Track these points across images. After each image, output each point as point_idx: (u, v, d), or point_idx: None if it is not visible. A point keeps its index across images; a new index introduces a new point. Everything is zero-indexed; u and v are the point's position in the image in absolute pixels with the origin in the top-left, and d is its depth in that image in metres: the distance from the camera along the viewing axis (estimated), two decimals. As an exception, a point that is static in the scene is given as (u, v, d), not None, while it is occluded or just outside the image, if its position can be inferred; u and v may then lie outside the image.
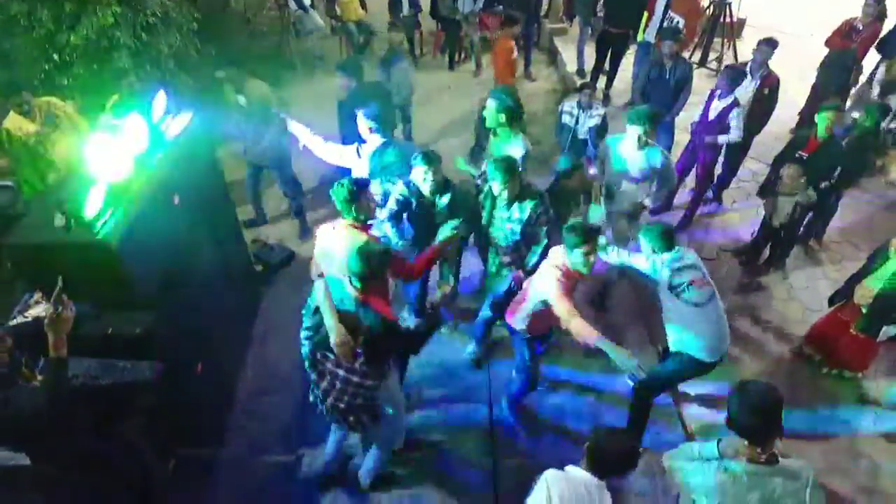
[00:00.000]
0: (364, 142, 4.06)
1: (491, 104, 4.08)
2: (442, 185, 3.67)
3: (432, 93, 8.17)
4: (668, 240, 3.21)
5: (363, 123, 3.97)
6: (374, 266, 2.74)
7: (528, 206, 3.66)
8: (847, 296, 3.84)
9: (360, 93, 4.91)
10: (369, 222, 3.42)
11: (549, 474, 2.37)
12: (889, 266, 3.57)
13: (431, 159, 3.55)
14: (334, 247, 3.17)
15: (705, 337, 3.23)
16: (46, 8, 5.06)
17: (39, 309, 2.88)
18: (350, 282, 2.81)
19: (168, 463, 3.05)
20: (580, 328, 2.88)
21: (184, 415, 3.19)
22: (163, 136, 3.30)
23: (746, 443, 2.18)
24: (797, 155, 4.50)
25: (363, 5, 8.63)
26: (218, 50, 6.82)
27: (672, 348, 3.40)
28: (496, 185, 3.58)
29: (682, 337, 3.29)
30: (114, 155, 2.82)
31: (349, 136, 4.61)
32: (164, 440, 2.98)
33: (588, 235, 2.98)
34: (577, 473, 2.34)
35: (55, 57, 5.18)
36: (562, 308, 2.97)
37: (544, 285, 3.10)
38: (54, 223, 2.65)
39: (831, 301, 3.99)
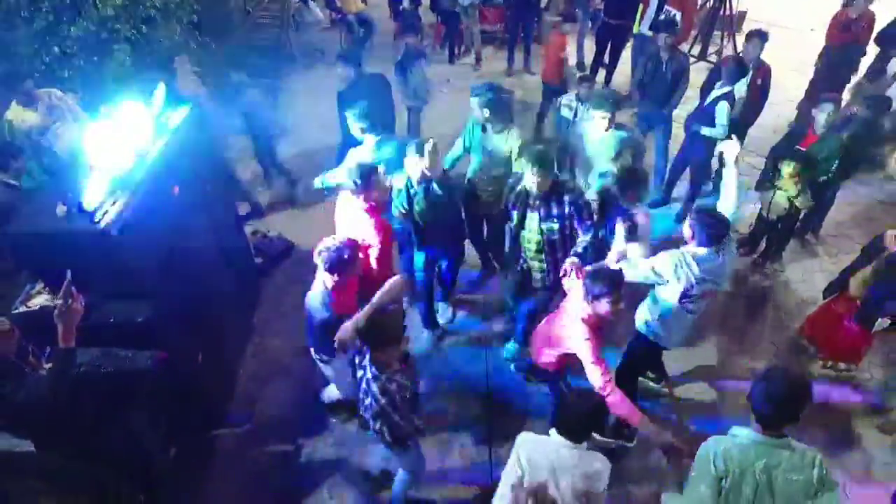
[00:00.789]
0: (359, 143, 4.05)
1: (473, 101, 4.10)
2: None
3: (433, 86, 8.16)
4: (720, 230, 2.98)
5: (354, 125, 3.96)
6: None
7: (566, 199, 3.45)
8: (841, 288, 3.88)
9: (359, 83, 4.91)
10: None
11: (521, 438, 2.45)
12: (884, 256, 3.60)
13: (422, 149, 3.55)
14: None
15: (679, 332, 3.29)
16: (47, -1, 5.07)
17: (42, 299, 2.93)
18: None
19: (169, 451, 3.10)
20: (619, 405, 2.75)
21: (185, 403, 3.23)
22: (163, 128, 3.32)
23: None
24: (795, 149, 4.51)
25: (363, -3, 8.63)
26: (218, 43, 6.83)
27: (639, 329, 3.41)
28: (530, 177, 3.34)
29: (654, 326, 3.31)
30: (115, 146, 2.85)
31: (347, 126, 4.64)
32: (165, 428, 3.02)
33: (614, 285, 2.78)
34: (551, 437, 2.40)
35: (55, 49, 5.18)
36: (596, 376, 2.79)
37: (575, 343, 2.91)
38: (56, 213, 2.68)
39: (825, 293, 4.03)
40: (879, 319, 3.64)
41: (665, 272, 3.03)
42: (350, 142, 4.24)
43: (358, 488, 3.54)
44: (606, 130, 4.23)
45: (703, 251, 2.99)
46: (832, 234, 5.40)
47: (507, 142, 4.12)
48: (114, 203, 2.76)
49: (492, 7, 9.16)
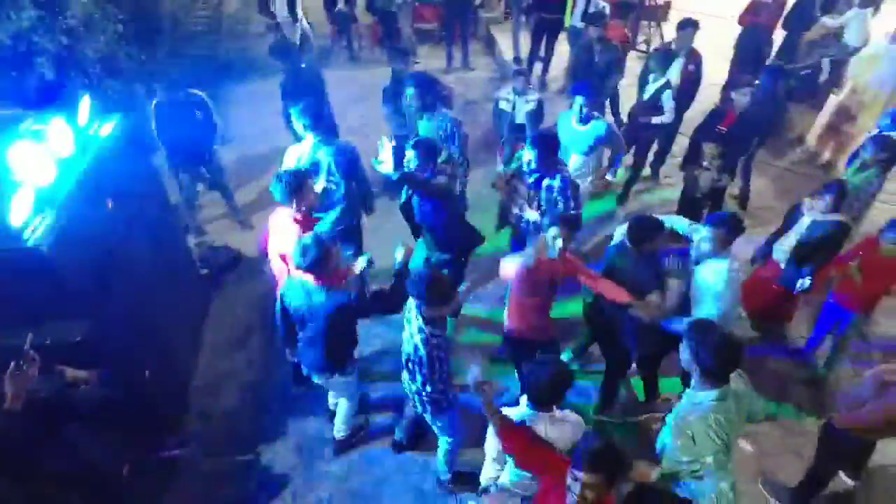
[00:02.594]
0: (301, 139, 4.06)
1: (409, 90, 4.25)
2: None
3: (373, 87, 8.16)
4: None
5: (297, 122, 3.96)
6: (317, 256, 2.78)
7: (557, 176, 3.79)
8: (766, 255, 4.14)
9: (294, 76, 4.90)
10: (314, 215, 3.50)
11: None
12: (803, 222, 3.87)
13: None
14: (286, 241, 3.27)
15: None
16: (-45, 12, 4.83)
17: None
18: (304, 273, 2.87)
19: (122, 468, 3.02)
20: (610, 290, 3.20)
21: (135, 420, 3.16)
22: (90, 141, 3.23)
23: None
24: (717, 129, 4.78)
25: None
26: (147, 53, 6.64)
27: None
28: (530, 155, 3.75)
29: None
30: (38, 160, 2.76)
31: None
32: (116, 446, 2.94)
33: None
34: (522, 408, 2.54)
35: (-31, 64, 4.94)
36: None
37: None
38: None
39: (753, 261, 4.29)
40: (800, 280, 3.90)
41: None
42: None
43: (319, 491, 3.54)
44: (583, 122, 4.43)
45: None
46: (757, 206, 5.74)
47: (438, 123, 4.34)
48: (42, 220, 2.68)
49: (428, 5, 9.24)
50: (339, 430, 3.65)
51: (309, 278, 2.89)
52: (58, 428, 2.52)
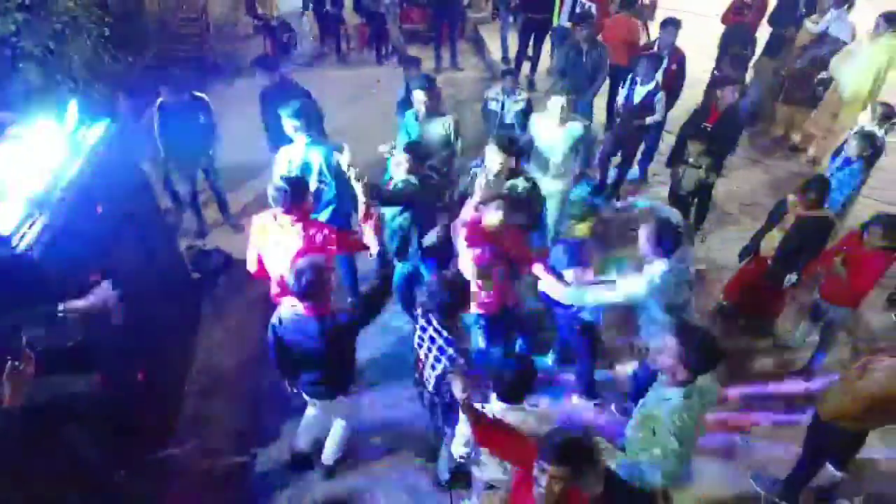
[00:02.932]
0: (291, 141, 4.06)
1: (419, 92, 4.31)
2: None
3: (362, 88, 8.20)
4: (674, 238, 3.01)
5: (287, 124, 3.94)
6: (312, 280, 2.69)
7: (519, 183, 3.72)
8: (753, 251, 4.20)
9: (279, 88, 4.91)
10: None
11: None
12: (787, 219, 3.93)
13: None
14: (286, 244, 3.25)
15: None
16: (-61, 17, 4.78)
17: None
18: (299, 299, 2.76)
19: (117, 473, 3.02)
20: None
21: (130, 424, 3.15)
22: (79, 146, 3.22)
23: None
24: (702, 126, 4.84)
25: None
26: (134, 56, 6.59)
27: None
28: (495, 160, 3.65)
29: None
30: (26, 166, 2.75)
31: (272, 127, 4.74)
32: (110, 451, 2.94)
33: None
34: (492, 404, 2.61)
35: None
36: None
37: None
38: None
39: (740, 257, 4.35)
40: (787, 276, 3.98)
41: (639, 295, 3.10)
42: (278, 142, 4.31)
43: (314, 492, 3.55)
44: (562, 124, 4.45)
45: (665, 265, 3.04)
46: (746, 204, 5.82)
47: (444, 127, 4.43)
48: (31, 226, 2.67)
49: (415, 6, 9.26)
50: (330, 455, 3.52)
51: (299, 307, 2.80)
52: (54, 429, 2.52)
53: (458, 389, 2.43)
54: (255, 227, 3.41)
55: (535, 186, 3.85)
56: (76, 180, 3.02)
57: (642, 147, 5.99)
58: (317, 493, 3.54)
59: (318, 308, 2.79)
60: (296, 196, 3.14)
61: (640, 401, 2.66)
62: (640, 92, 5.33)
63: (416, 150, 3.93)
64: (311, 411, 3.48)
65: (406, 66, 5.67)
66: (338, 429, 3.48)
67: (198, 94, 4.95)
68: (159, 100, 4.79)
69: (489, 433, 2.44)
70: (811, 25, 6.33)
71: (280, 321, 2.92)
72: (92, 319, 2.83)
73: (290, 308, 2.89)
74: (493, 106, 5.44)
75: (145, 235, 3.78)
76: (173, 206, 5.48)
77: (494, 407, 2.63)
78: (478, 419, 2.44)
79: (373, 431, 3.85)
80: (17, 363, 2.20)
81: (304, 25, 8.73)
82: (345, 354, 3.05)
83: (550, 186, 4.53)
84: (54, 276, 2.69)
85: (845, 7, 6.15)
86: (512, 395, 2.61)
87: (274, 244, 3.31)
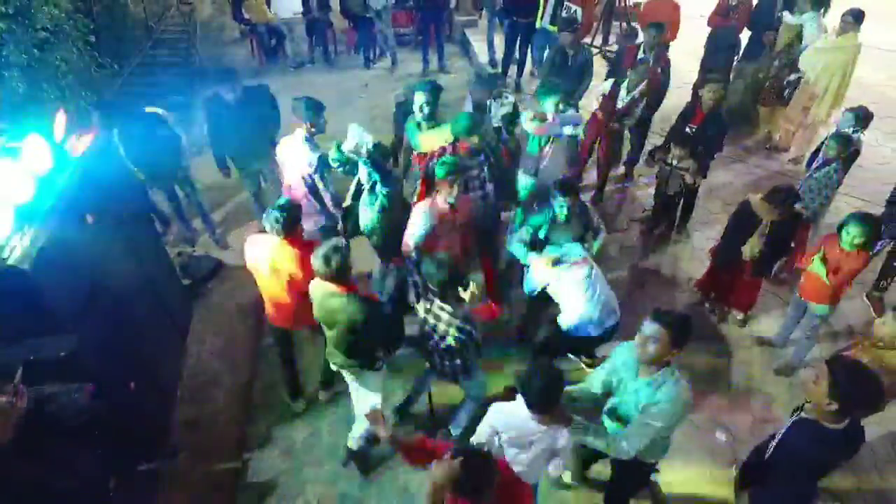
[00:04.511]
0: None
1: (422, 97, 4.24)
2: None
3: (350, 91, 8.23)
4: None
5: (299, 114, 4.07)
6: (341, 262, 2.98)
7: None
8: (727, 251, 4.29)
9: (249, 94, 4.89)
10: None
11: (492, 408, 2.72)
12: (763, 228, 4.03)
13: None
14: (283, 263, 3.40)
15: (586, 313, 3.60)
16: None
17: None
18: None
19: (108, 482, 3.03)
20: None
21: (122, 433, 3.17)
22: (67, 156, 3.23)
23: None
24: (687, 127, 4.93)
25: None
26: (120, 62, 6.58)
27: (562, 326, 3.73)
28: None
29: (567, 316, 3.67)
30: (15, 178, 2.76)
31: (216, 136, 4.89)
32: (102, 460, 2.95)
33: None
34: (518, 408, 2.59)
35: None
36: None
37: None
38: (-41, 253, 2.58)
39: (720, 261, 4.44)
40: (776, 264, 4.06)
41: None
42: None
43: (307, 496, 3.59)
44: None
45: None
46: (729, 203, 5.92)
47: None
48: (22, 237, 2.68)
49: (402, 10, 9.30)
50: (354, 436, 3.58)
51: (332, 287, 3.03)
52: (45, 444, 2.53)
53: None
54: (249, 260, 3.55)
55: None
56: (66, 191, 3.03)
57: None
58: (309, 495, 3.58)
59: (349, 286, 3.07)
60: (288, 222, 3.27)
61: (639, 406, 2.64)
62: (623, 97, 5.41)
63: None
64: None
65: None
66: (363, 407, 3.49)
67: (149, 109, 4.80)
68: (115, 130, 4.49)
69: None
70: (789, 17, 6.47)
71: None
72: (83, 329, 2.86)
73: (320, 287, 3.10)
74: (479, 108, 5.49)
75: (135, 242, 3.80)
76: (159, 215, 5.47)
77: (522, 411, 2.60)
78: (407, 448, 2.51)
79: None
80: (11, 399, 2.23)
81: (291, 30, 8.74)
82: (375, 330, 3.19)
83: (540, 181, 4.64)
84: (46, 287, 2.70)
85: (822, 10, 6.29)
86: (540, 406, 2.52)
87: (269, 269, 3.43)
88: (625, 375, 2.70)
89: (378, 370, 3.36)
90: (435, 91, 4.28)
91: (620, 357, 2.75)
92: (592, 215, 4.11)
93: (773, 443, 2.65)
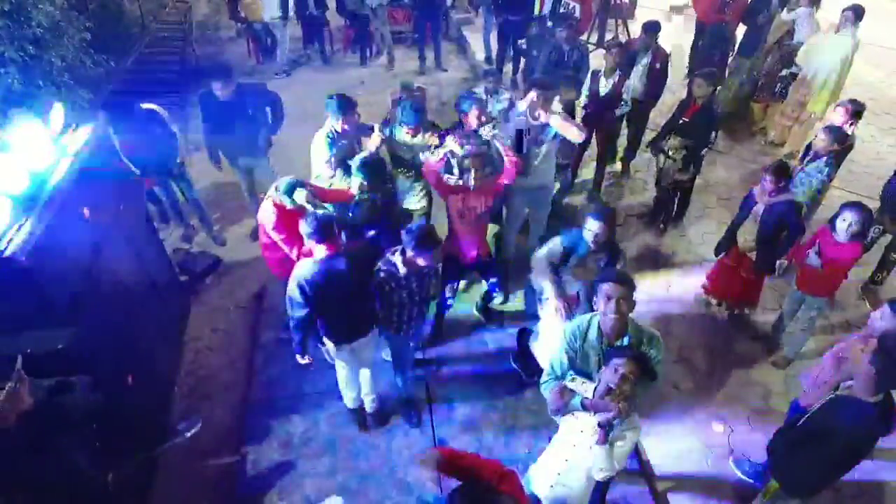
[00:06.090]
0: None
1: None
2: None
3: (346, 89, 8.19)
4: None
5: (331, 110, 4.17)
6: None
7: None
8: (728, 246, 4.31)
9: (244, 92, 4.94)
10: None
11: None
12: (757, 210, 4.05)
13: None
14: None
15: None
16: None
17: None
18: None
19: (106, 476, 3.03)
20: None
21: (119, 426, 3.17)
22: (65, 149, 3.23)
23: None
24: (681, 120, 4.95)
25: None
26: (116, 60, 6.57)
27: None
28: None
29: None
30: (12, 170, 2.76)
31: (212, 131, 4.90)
32: (100, 453, 2.95)
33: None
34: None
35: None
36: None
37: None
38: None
39: (716, 251, 4.46)
40: (778, 262, 4.07)
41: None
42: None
43: (305, 489, 3.60)
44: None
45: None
46: (724, 198, 5.95)
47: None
48: (19, 229, 2.68)
49: (399, 8, 9.31)
50: (372, 400, 3.87)
51: (320, 252, 3.05)
52: (49, 439, 2.53)
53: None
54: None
55: None
56: (63, 184, 3.04)
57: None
58: (307, 489, 3.58)
59: (337, 246, 3.10)
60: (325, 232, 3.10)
61: None
62: (604, 84, 5.44)
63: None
64: (342, 372, 3.64)
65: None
66: (367, 375, 3.74)
67: (145, 105, 4.75)
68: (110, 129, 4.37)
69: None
70: (784, 14, 6.51)
71: (308, 278, 3.05)
72: (80, 321, 2.86)
73: (311, 263, 3.08)
74: (475, 105, 5.50)
75: (133, 237, 3.80)
76: (157, 211, 5.46)
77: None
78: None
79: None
80: (14, 385, 2.25)
81: (284, 33, 8.70)
82: (368, 286, 3.26)
83: (533, 182, 4.60)
84: (42, 279, 2.70)
85: (814, 8, 6.33)
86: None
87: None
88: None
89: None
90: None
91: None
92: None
93: (804, 419, 2.82)
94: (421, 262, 3.15)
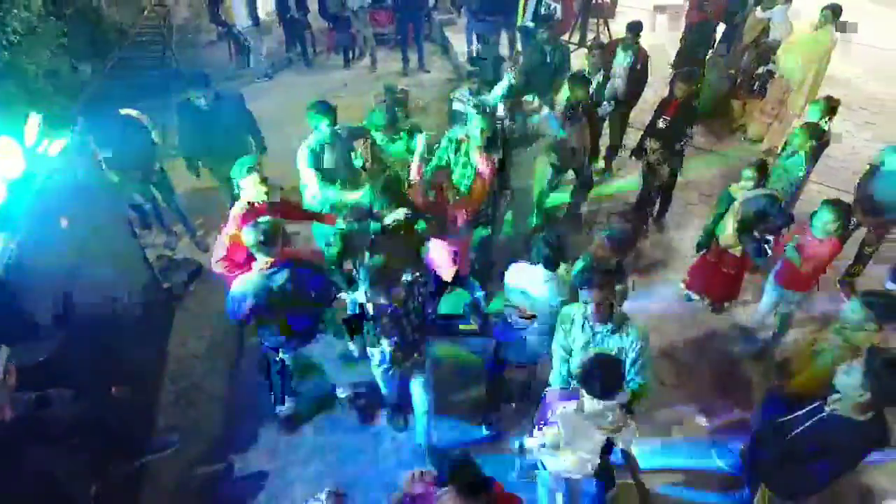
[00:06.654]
0: None
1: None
2: None
3: (329, 92, 8.18)
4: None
5: (316, 119, 4.14)
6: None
7: None
8: (708, 242, 4.37)
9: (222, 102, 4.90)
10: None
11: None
12: (735, 206, 4.11)
13: None
14: None
15: None
16: None
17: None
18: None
19: (90, 488, 3.00)
20: None
21: (102, 437, 3.14)
22: (40, 160, 3.19)
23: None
24: (661, 119, 5.00)
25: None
26: (94, 65, 6.48)
27: None
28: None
29: None
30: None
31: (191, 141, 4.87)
32: (83, 465, 2.93)
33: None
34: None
35: None
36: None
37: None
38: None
39: (697, 248, 4.52)
40: (763, 247, 4.13)
41: None
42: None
43: (294, 495, 3.58)
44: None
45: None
46: (706, 194, 6.03)
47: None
48: (-6, 242, 2.65)
49: (381, 9, 9.28)
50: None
51: (265, 262, 3.10)
52: (29, 453, 2.51)
53: None
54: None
55: None
56: (40, 195, 3.00)
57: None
58: (295, 494, 3.57)
59: (279, 257, 3.14)
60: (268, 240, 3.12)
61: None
62: (596, 86, 5.48)
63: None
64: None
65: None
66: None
67: (124, 111, 4.71)
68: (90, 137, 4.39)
69: None
70: (759, 12, 6.62)
71: (255, 289, 3.10)
72: (61, 334, 2.83)
73: (259, 272, 3.15)
74: (459, 107, 5.52)
75: (113, 246, 3.76)
76: (139, 217, 5.41)
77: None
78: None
79: (354, 430, 3.93)
80: (3, 377, 2.23)
81: (259, 40, 8.63)
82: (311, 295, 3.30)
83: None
84: (21, 292, 2.67)
85: (787, 5, 6.44)
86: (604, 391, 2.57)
87: None
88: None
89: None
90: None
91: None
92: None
93: (794, 433, 2.74)
94: (382, 300, 2.99)
